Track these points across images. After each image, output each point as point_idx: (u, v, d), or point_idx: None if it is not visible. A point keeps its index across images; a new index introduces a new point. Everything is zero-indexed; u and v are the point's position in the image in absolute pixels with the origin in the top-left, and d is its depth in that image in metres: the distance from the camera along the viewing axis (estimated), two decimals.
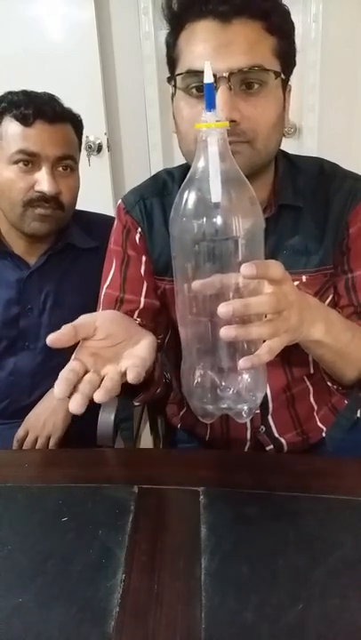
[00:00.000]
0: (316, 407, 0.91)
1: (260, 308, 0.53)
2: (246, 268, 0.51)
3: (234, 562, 0.58)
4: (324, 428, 0.92)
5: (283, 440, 0.90)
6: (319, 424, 0.92)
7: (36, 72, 1.88)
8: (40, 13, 1.98)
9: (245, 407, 0.60)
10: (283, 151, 0.85)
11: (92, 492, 0.70)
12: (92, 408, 1.02)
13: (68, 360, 0.59)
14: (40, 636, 0.51)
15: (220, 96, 0.65)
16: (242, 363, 0.54)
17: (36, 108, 0.92)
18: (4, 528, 0.65)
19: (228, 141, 0.54)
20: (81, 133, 1.03)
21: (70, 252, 1.06)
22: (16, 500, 0.70)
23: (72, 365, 0.58)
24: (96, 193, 1.79)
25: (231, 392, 0.59)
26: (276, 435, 0.90)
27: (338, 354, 0.72)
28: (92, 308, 0.82)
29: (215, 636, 0.50)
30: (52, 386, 1.06)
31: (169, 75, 0.73)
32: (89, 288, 0.90)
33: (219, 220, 0.53)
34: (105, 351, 0.61)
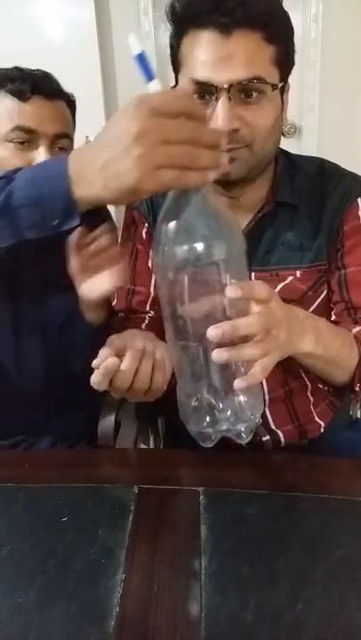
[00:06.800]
0: (312, 400, 0.92)
1: (249, 329, 0.54)
2: (232, 291, 0.53)
3: (234, 562, 0.58)
4: (323, 424, 0.93)
5: (280, 432, 0.90)
6: (317, 419, 0.92)
7: None
8: (40, 13, 1.98)
9: (244, 427, 0.61)
10: (283, 150, 0.86)
11: (93, 492, 0.70)
12: (93, 408, 1.03)
13: None
14: (40, 636, 0.51)
15: (221, 107, 0.67)
16: (237, 383, 0.55)
17: (33, 82, 0.87)
18: (5, 528, 0.65)
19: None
20: (75, 114, 0.99)
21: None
22: (16, 499, 0.70)
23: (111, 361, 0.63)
24: None
25: (229, 413, 0.59)
26: (273, 427, 0.90)
27: (328, 362, 0.74)
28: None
29: (215, 636, 0.50)
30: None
31: (173, 74, 0.76)
32: None
33: (200, 246, 0.53)
34: None
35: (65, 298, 0.98)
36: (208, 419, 0.59)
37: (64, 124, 0.92)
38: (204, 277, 0.55)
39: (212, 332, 0.52)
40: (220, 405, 0.59)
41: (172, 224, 0.54)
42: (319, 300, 0.85)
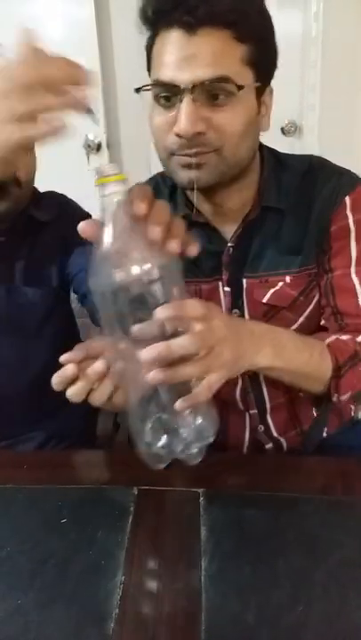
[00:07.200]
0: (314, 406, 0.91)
1: (184, 349, 0.51)
2: (161, 311, 0.50)
3: (234, 563, 0.58)
4: (325, 429, 0.92)
5: (282, 440, 0.90)
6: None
7: None
8: (40, 13, 1.97)
9: (198, 448, 0.60)
10: (272, 151, 0.83)
11: (92, 494, 0.70)
12: (90, 408, 1.03)
13: None
14: (39, 638, 0.51)
15: (184, 108, 0.64)
16: (178, 404, 0.53)
17: None
18: (4, 529, 0.65)
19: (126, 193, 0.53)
20: None
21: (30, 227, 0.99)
22: (16, 501, 0.69)
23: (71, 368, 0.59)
24: (95, 192, 1.79)
25: (184, 435, 0.57)
26: (276, 434, 0.90)
27: (295, 375, 0.72)
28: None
29: (215, 638, 0.50)
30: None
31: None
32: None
33: (131, 268, 0.51)
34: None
35: (40, 291, 0.96)
36: (162, 441, 0.58)
37: None
38: (140, 298, 0.52)
39: (146, 354, 0.50)
40: (174, 427, 0.57)
41: (102, 248, 0.52)
42: (312, 306, 0.82)
